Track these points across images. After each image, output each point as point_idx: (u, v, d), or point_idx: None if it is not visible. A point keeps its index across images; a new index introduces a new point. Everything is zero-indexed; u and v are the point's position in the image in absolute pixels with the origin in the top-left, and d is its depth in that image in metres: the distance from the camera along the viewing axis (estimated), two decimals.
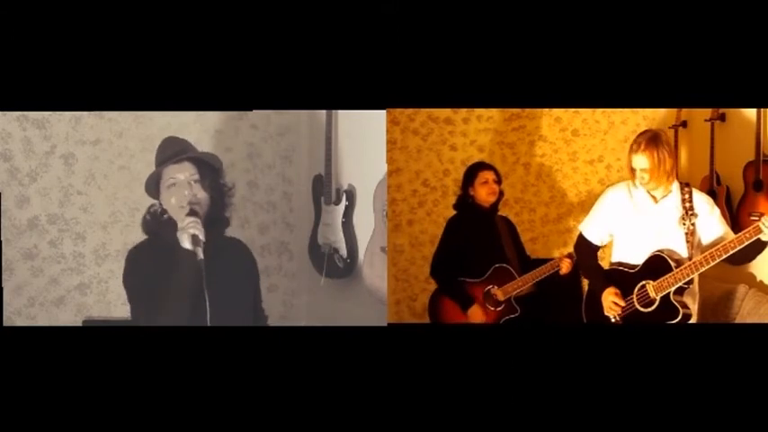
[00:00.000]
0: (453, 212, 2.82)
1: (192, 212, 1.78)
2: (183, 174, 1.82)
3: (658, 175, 2.10)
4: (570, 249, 2.60)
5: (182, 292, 1.72)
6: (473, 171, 2.73)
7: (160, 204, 1.86)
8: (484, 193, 2.68)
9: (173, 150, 1.87)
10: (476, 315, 2.59)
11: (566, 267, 2.59)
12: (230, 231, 1.99)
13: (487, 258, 2.64)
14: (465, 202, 2.74)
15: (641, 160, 2.09)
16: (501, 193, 2.75)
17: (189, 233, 1.73)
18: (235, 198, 2.00)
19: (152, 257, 1.82)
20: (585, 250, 2.34)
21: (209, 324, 1.72)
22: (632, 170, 2.13)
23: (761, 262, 2.23)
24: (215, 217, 1.89)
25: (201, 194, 1.83)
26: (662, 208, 2.16)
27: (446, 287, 2.69)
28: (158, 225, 1.86)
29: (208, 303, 1.72)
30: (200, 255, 1.72)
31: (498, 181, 2.72)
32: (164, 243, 1.82)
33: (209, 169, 1.89)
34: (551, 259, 2.68)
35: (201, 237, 1.74)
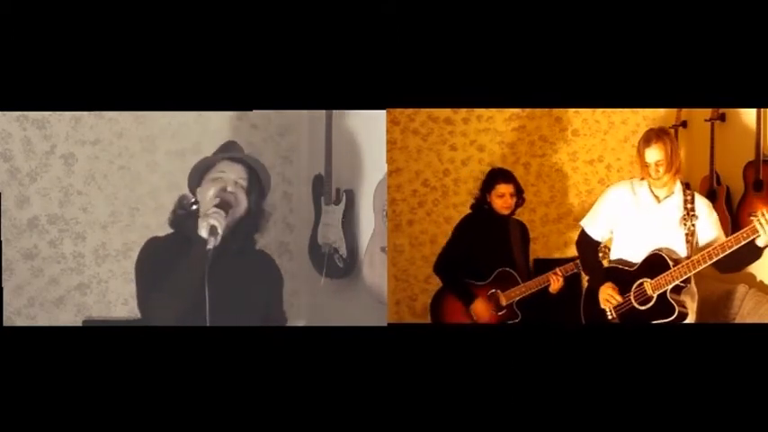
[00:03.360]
0: (454, 212, 2.82)
1: (219, 205, 1.72)
2: (233, 173, 1.80)
3: (672, 168, 2.11)
4: (572, 251, 2.60)
5: (187, 280, 1.67)
6: (492, 181, 2.70)
7: (193, 197, 1.83)
8: (499, 204, 2.68)
9: (231, 150, 1.87)
10: (479, 310, 2.59)
11: (554, 286, 2.56)
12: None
13: (495, 262, 2.64)
14: (481, 206, 2.73)
15: (654, 153, 2.09)
16: (521, 202, 2.74)
17: (208, 222, 1.68)
18: (269, 224, 1.95)
19: (170, 249, 1.77)
20: (587, 246, 2.36)
21: (207, 320, 1.68)
22: (645, 166, 2.12)
23: (760, 262, 2.23)
24: (245, 232, 1.84)
25: (242, 200, 1.79)
26: (665, 208, 2.17)
27: (449, 283, 2.69)
28: (186, 216, 1.81)
29: (207, 295, 1.66)
30: (211, 244, 1.66)
31: (516, 194, 2.69)
32: (185, 235, 1.78)
33: (257, 183, 1.85)
34: (554, 260, 2.68)
35: (220, 229, 1.68)
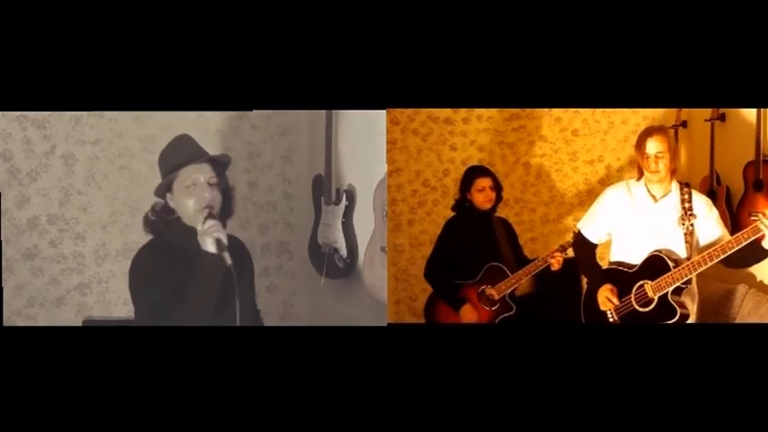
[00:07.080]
0: (452, 213, 2.82)
1: (211, 215, 1.76)
2: (202, 175, 1.80)
3: (672, 163, 2.11)
4: (571, 251, 2.59)
5: (208, 297, 1.72)
6: (470, 177, 2.71)
7: (166, 203, 1.85)
8: (480, 199, 2.68)
9: (190, 150, 1.85)
10: (468, 315, 2.60)
11: (556, 264, 2.55)
12: (230, 230, 1.99)
13: (483, 260, 2.65)
14: (462, 205, 2.74)
15: (655, 144, 2.09)
16: (500, 198, 2.75)
17: (213, 237, 1.73)
18: (235, 199, 2.00)
19: (161, 261, 1.79)
20: (584, 248, 2.35)
21: (238, 324, 1.75)
22: (645, 158, 2.11)
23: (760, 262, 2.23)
24: (221, 218, 1.88)
25: (218, 197, 1.83)
26: (661, 207, 2.16)
27: (438, 288, 2.70)
28: (164, 225, 1.84)
29: (238, 306, 1.74)
30: (228, 260, 1.72)
31: (495, 187, 2.70)
32: (170, 244, 1.81)
33: (222, 170, 1.89)
34: None
35: (225, 241, 1.74)
